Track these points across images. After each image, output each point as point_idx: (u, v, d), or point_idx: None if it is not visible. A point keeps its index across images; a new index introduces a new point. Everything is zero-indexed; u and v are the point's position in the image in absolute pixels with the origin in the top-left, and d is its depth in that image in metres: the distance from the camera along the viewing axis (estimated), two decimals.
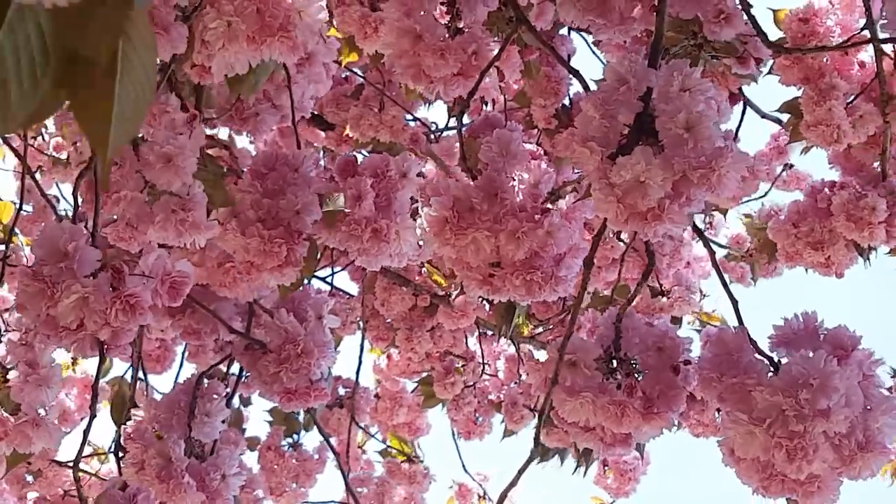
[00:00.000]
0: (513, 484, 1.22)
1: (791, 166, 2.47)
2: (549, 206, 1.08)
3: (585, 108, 0.97)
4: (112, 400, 1.90)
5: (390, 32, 1.25)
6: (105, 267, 1.13)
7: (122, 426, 1.39)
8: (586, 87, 1.26)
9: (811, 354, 1.01)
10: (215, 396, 1.41)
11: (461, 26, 1.26)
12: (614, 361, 1.11)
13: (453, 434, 2.70)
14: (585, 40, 2.02)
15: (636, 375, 1.10)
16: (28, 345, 1.31)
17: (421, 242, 1.44)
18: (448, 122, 2.16)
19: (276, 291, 1.48)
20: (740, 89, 1.47)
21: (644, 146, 0.93)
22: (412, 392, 2.74)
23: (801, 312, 1.09)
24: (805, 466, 0.98)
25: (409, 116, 2.11)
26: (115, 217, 1.19)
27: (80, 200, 1.30)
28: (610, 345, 1.12)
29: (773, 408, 0.99)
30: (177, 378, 1.91)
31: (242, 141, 2.04)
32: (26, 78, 0.51)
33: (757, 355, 1.07)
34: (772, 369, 1.06)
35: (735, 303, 1.14)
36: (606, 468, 2.63)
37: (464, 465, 2.73)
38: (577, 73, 1.23)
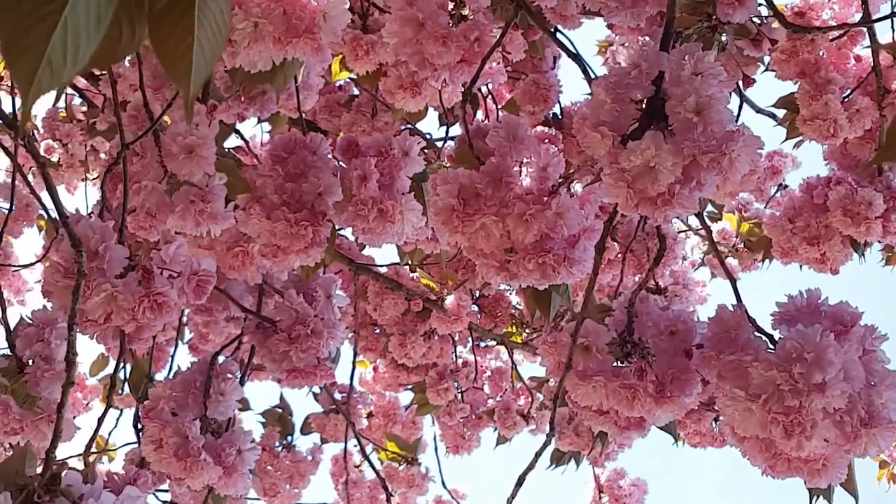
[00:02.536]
0: (530, 467, 1.20)
1: (785, 187, 2.48)
2: (558, 188, 1.07)
3: (597, 93, 0.97)
4: (131, 375, 1.90)
5: (394, 21, 1.26)
6: (133, 262, 1.16)
7: (141, 403, 1.40)
8: (586, 71, 1.27)
9: (808, 330, 0.99)
10: (229, 375, 1.43)
11: (466, 13, 1.27)
12: (628, 345, 1.10)
13: (436, 449, 2.69)
14: (572, 42, 2.02)
15: (649, 359, 1.09)
16: (44, 341, 1.31)
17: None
18: (447, 133, 2.15)
19: (283, 272, 1.50)
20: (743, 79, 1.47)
21: (654, 131, 0.93)
22: (406, 409, 2.73)
23: (805, 289, 1.07)
24: (804, 443, 0.96)
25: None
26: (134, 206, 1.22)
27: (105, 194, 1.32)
28: (623, 329, 1.11)
29: (769, 383, 0.97)
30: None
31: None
32: (93, 21, 0.55)
33: (756, 333, 1.05)
34: (770, 346, 1.04)
35: (733, 281, 1.13)
36: (602, 494, 2.62)
37: (443, 482, 2.70)
38: (578, 59, 1.23)
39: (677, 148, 0.91)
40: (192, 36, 0.58)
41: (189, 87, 0.60)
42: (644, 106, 0.95)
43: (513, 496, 1.20)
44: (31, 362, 1.32)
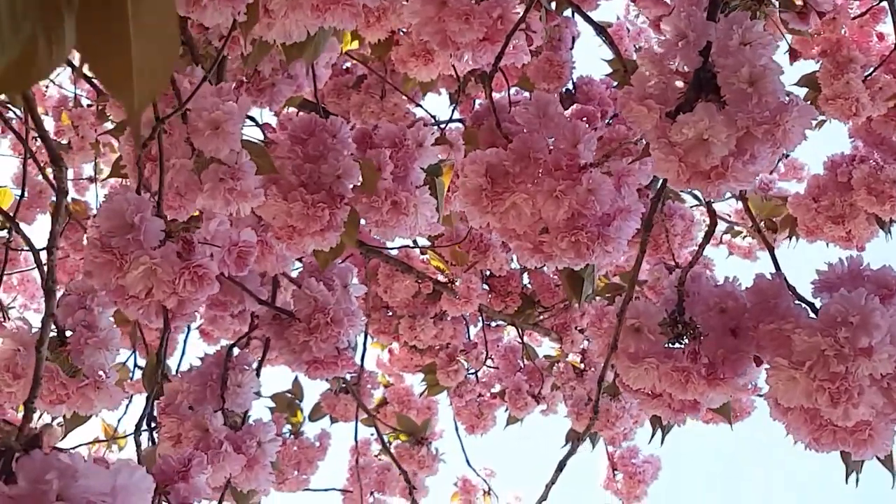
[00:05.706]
0: (571, 453, 1.19)
1: (786, 156, 2.46)
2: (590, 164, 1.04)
3: (642, 66, 0.94)
4: (144, 369, 1.87)
5: None
6: (172, 236, 1.13)
7: (155, 399, 1.37)
8: (612, 43, 1.24)
9: (852, 294, 0.93)
10: (246, 367, 1.41)
11: None
12: (679, 326, 1.05)
13: (456, 429, 2.68)
14: (592, 20, 2.00)
15: (700, 340, 1.04)
16: (86, 308, 1.28)
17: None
18: (452, 114, 2.13)
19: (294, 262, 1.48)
20: None
21: (706, 102, 0.90)
22: (420, 395, 2.72)
23: (846, 256, 1.03)
24: (851, 411, 0.92)
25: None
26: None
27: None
28: (674, 309, 1.07)
29: (813, 349, 0.93)
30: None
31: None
32: (6, 21, 0.46)
33: (796, 301, 1.01)
34: (812, 314, 0.99)
35: (771, 249, 1.10)
36: (616, 472, 2.62)
37: (468, 460, 2.72)
38: (603, 31, 1.21)
39: (731, 119, 0.89)
40: (129, 51, 0.50)
41: (133, 103, 0.50)
42: (691, 78, 0.93)
43: (552, 481, 1.19)
44: (71, 333, 1.29)
